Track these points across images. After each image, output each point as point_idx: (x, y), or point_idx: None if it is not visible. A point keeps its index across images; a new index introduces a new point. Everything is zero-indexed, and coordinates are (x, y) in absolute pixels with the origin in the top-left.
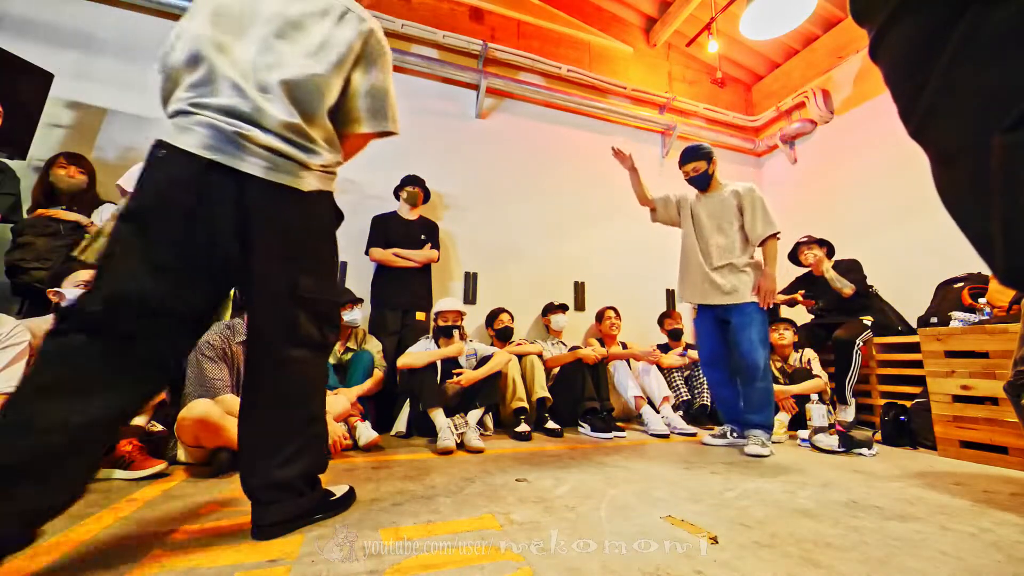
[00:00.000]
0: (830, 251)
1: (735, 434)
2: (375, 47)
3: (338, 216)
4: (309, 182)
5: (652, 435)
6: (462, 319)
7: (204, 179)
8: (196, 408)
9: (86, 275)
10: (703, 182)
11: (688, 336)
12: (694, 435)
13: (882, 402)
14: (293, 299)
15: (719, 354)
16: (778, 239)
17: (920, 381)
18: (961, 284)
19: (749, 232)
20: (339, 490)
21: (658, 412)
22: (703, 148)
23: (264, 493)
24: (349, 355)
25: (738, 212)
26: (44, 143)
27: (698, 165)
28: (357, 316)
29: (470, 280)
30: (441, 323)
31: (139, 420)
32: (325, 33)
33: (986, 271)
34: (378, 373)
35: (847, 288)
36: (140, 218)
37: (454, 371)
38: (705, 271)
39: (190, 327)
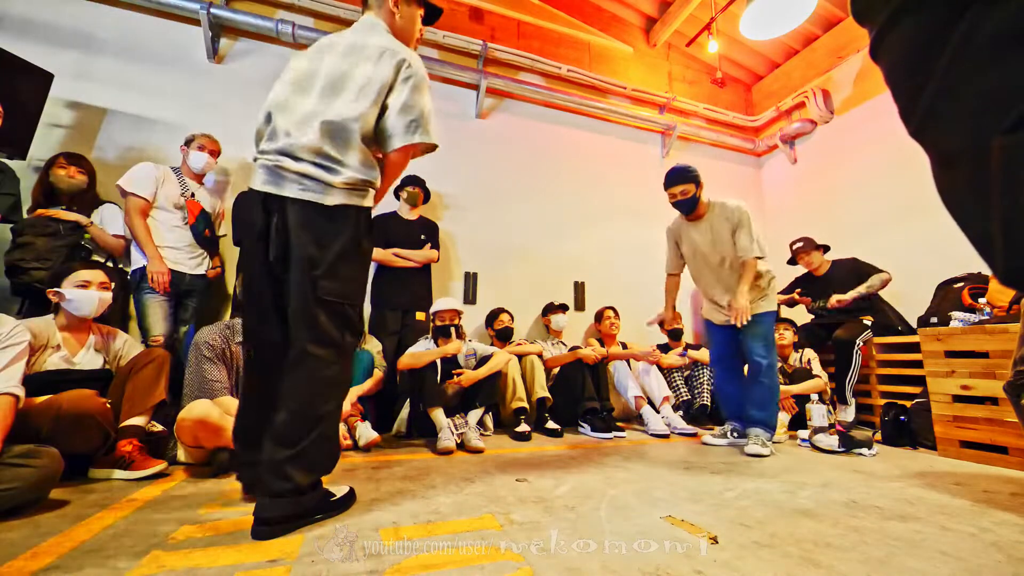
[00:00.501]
0: (825, 252)
1: (736, 434)
2: (406, 71)
3: (368, 226)
4: (333, 197)
5: (652, 435)
6: (459, 317)
7: (261, 208)
8: (196, 409)
9: (86, 275)
10: (690, 206)
11: (688, 336)
12: (694, 435)
13: (882, 402)
14: (315, 299)
15: (726, 353)
16: (761, 259)
17: (920, 381)
18: (961, 284)
19: (736, 246)
20: (339, 491)
21: (658, 412)
22: (690, 171)
23: (270, 482)
24: None
25: (732, 234)
26: (44, 143)
27: (687, 188)
28: None
29: (470, 280)
30: (439, 323)
31: (139, 420)
32: (368, 74)
33: (986, 271)
34: (378, 373)
35: (876, 283)
36: (242, 254)
37: (454, 371)
38: (714, 297)
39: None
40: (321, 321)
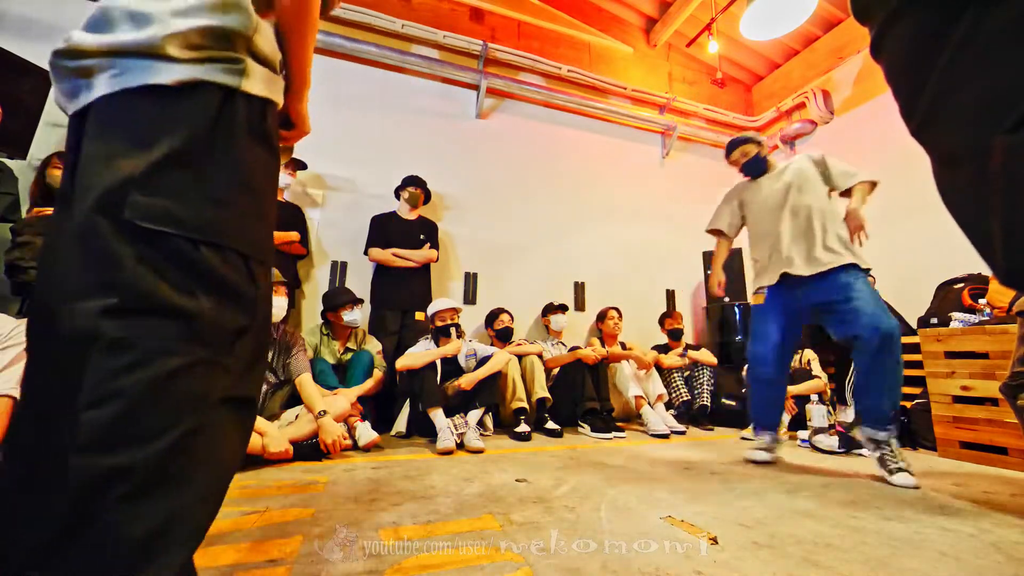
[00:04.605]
0: None
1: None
2: None
3: (259, 120)
4: (170, 70)
5: (652, 435)
6: (458, 315)
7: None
8: None
9: None
10: (756, 166)
11: (688, 336)
12: (683, 433)
13: None
14: (113, 225)
15: (778, 347)
16: (870, 185)
17: (920, 381)
18: (961, 285)
19: (832, 179)
20: None
21: (655, 411)
22: (747, 134)
23: None
24: (349, 355)
25: (819, 180)
26: (44, 143)
27: (746, 149)
28: (357, 316)
29: (470, 280)
30: (439, 323)
31: None
32: None
33: (986, 271)
34: (378, 373)
35: None
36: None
37: (454, 380)
38: (780, 249)
39: None
40: (125, 265)
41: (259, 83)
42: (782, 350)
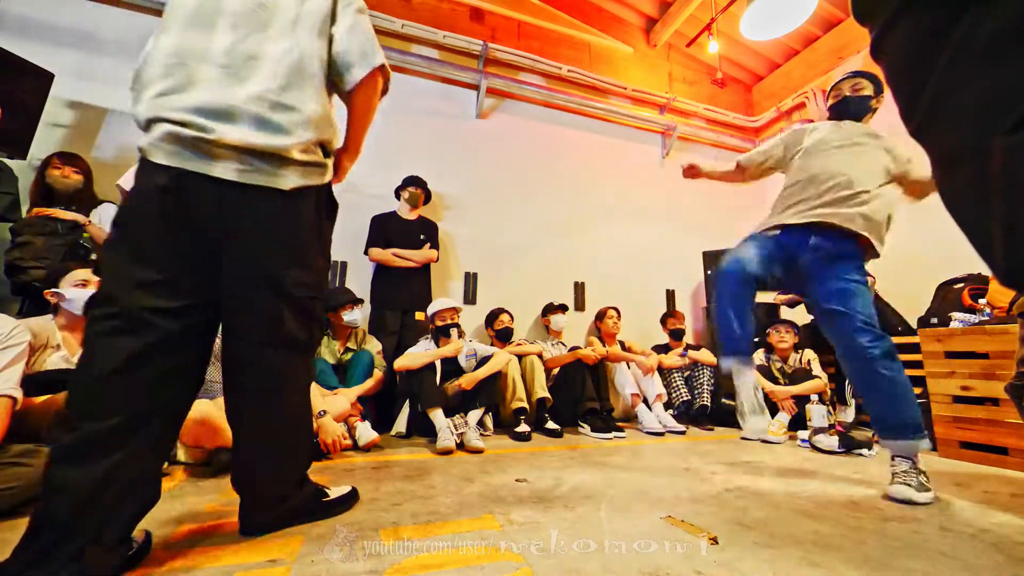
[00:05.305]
0: None
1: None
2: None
3: (330, 206)
4: (289, 178)
5: (647, 433)
6: (458, 315)
7: (170, 183)
8: (196, 408)
9: (83, 274)
10: (855, 109)
11: (689, 336)
12: (683, 433)
13: None
14: (280, 295)
15: (758, 266)
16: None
17: (920, 381)
18: (961, 285)
19: (909, 168)
20: (338, 490)
21: (651, 410)
22: (876, 76)
23: (252, 502)
24: (349, 355)
25: (889, 160)
26: (45, 143)
27: (860, 84)
28: (357, 316)
29: (470, 280)
30: (439, 323)
31: None
32: (296, 5)
33: (986, 271)
34: (378, 373)
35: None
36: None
37: (454, 380)
38: (831, 196)
39: None
40: (286, 320)
41: (330, 174)
42: (757, 270)
